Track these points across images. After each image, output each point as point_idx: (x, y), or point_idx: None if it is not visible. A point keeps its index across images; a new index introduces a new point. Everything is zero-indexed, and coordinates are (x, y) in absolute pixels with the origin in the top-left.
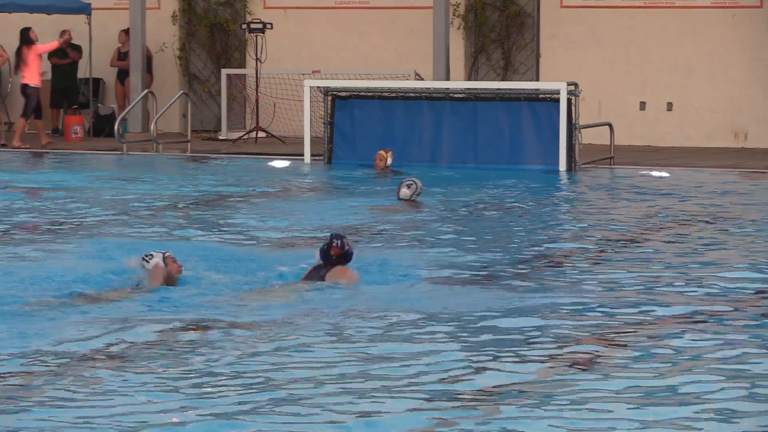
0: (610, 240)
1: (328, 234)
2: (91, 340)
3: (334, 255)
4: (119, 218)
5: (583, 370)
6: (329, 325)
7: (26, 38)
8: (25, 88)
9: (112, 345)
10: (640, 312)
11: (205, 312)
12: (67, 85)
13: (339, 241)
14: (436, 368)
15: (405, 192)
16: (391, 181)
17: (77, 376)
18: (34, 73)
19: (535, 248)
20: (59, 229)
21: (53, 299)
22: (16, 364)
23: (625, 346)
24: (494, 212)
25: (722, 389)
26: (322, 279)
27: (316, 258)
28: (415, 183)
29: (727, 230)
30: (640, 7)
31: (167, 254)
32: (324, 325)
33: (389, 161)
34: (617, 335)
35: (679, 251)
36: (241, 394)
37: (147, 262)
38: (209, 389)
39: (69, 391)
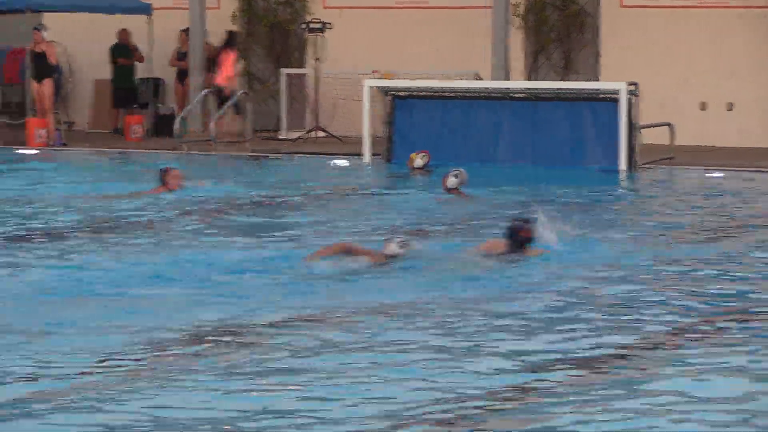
0: (676, 237)
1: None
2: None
3: (524, 237)
4: (178, 217)
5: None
6: None
7: (230, 42)
8: (217, 88)
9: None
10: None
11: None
12: (128, 85)
13: (526, 225)
14: None
15: (452, 181)
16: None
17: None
18: (231, 76)
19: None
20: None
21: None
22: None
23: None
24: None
25: None
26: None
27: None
28: (461, 173)
29: None
30: (700, 7)
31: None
32: None
33: (418, 162)
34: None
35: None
36: None
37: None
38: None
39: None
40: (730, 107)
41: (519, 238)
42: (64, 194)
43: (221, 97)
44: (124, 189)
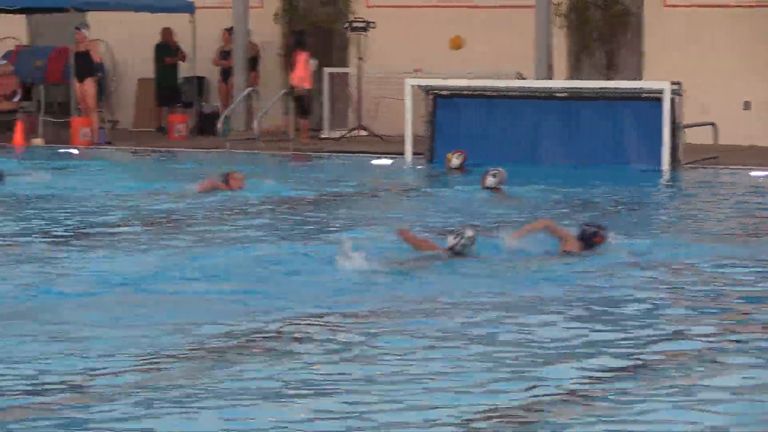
0: (719, 237)
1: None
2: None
3: (597, 242)
4: (222, 215)
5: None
6: None
7: (301, 42)
8: (293, 90)
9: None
10: None
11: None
12: (171, 84)
13: (603, 231)
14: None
15: (491, 180)
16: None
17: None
18: (303, 76)
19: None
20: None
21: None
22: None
23: None
24: (601, 208)
25: None
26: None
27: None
28: (500, 172)
29: None
30: (744, 6)
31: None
32: None
33: (454, 162)
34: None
35: None
36: None
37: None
38: None
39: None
40: None
41: (592, 243)
42: (115, 192)
43: (296, 97)
44: (173, 187)
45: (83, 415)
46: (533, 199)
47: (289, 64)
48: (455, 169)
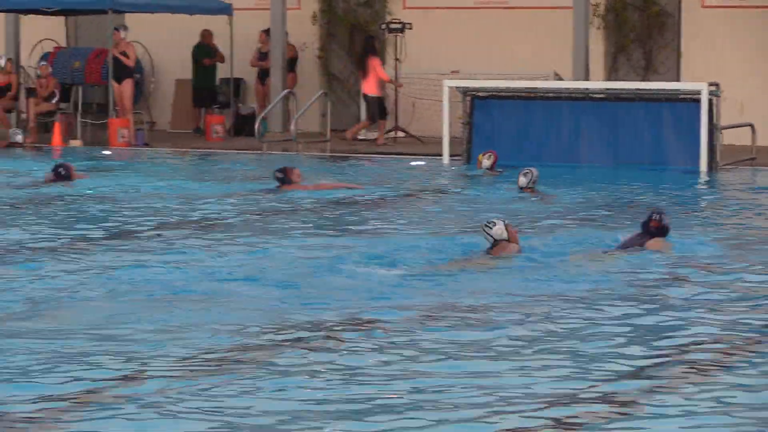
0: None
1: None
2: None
3: (653, 227)
4: (259, 216)
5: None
6: None
7: (371, 48)
8: (364, 97)
9: None
10: None
11: None
12: (209, 85)
13: (658, 215)
14: None
15: (522, 180)
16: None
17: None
18: (372, 84)
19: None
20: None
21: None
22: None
23: None
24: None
25: None
26: (642, 246)
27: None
28: (531, 172)
29: None
30: None
31: (507, 221)
32: None
33: (485, 163)
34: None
35: None
36: None
37: (490, 228)
38: None
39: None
40: None
41: (648, 228)
42: (163, 192)
43: (368, 102)
44: (218, 188)
45: (131, 411)
46: (568, 199)
47: (361, 71)
48: (487, 170)
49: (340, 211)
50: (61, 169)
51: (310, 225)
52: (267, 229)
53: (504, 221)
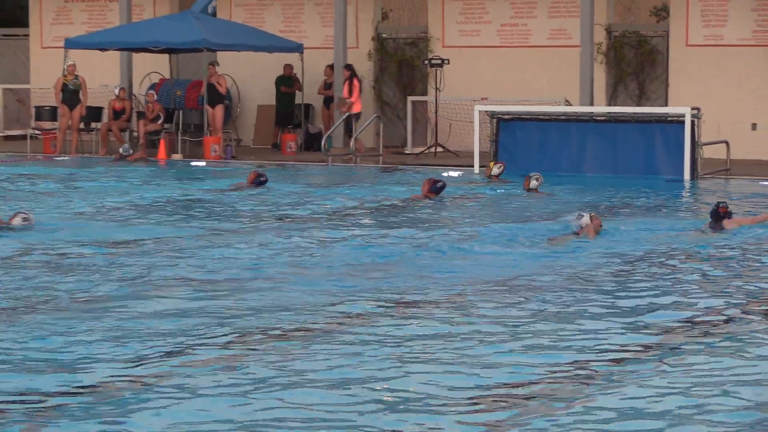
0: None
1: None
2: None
3: (722, 212)
4: (323, 216)
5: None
6: None
7: (354, 72)
8: (357, 115)
9: None
10: None
11: None
12: (289, 109)
13: (724, 203)
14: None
15: (534, 183)
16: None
17: None
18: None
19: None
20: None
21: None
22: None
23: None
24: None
25: None
26: (722, 228)
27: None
28: (539, 176)
29: None
30: (752, 46)
31: (592, 214)
32: None
33: (494, 171)
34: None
35: None
36: None
37: (580, 219)
38: None
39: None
40: None
41: (718, 214)
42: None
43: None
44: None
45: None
46: (573, 198)
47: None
48: (494, 176)
49: (390, 211)
50: (262, 177)
51: (369, 222)
52: (326, 225)
53: (590, 214)
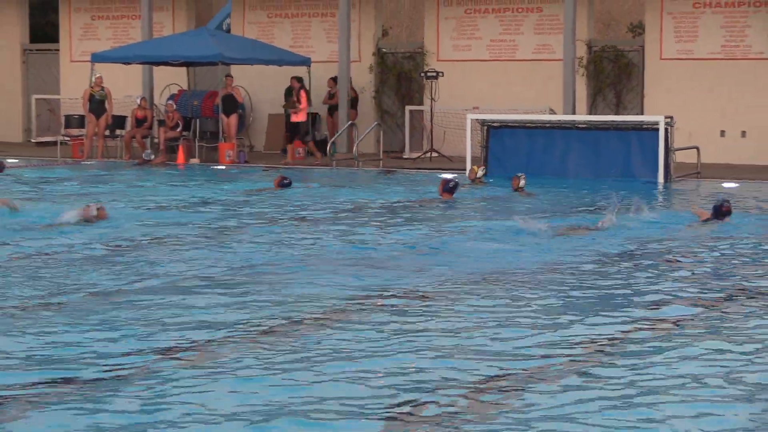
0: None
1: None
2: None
3: (725, 210)
4: (329, 214)
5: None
6: None
7: (302, 84)
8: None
9: None
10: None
11: None
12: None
13: (727, 202)
14: None
15: (523, 182)
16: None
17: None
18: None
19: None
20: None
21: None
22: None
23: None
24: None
25: None
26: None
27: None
28: (524, 177)
29: None
30: (720, 59)
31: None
32: None
33: (479, 173)
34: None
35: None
36: None
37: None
38: None
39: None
40: (743, 134)
41: (722, 211)
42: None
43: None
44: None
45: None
46: (556, 198)
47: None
48: (478, 179)
49: (392, 210)
50: (286, 180)
51: (374, 221)
52: (332, 219)
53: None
